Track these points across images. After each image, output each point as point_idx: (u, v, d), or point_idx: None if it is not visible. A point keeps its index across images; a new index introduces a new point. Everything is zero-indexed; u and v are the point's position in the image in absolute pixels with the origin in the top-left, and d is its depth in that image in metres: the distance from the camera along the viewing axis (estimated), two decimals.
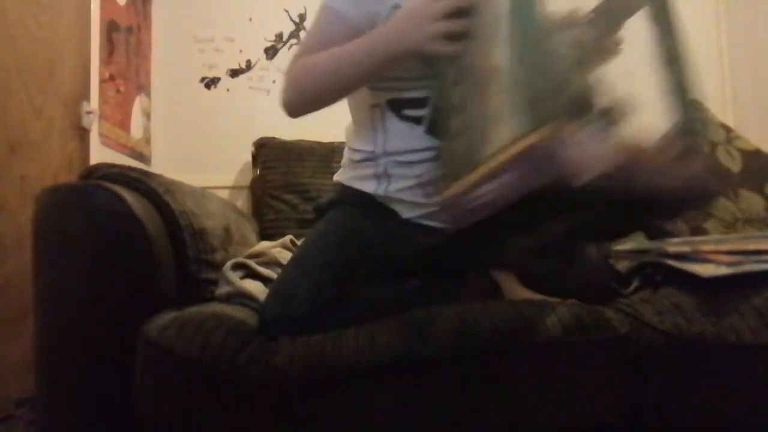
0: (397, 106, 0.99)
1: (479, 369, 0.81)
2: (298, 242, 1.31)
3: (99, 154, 1.87)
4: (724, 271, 0.86)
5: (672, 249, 0.96)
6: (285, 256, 1.18)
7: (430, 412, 0.80)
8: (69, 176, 1.69)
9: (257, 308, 0.95)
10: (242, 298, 1.02)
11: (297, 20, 2.33)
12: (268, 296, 0.92)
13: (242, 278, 1.07)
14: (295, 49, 2.32)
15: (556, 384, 0.82)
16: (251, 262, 1.11)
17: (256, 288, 1.05)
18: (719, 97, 2.25)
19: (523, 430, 0.81)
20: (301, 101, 0.99)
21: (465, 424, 0.80)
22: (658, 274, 0.95)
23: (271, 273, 1.10)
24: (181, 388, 0.81)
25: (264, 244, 1.33)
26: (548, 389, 0.81)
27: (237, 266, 1.09)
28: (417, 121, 0.98)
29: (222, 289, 1.04)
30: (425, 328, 0.81)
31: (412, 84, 0.97)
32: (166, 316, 0.87)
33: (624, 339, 0.84)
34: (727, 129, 1.65)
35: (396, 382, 0.80)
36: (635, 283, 0.97)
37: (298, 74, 0.98)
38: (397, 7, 0.95)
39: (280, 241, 1.31)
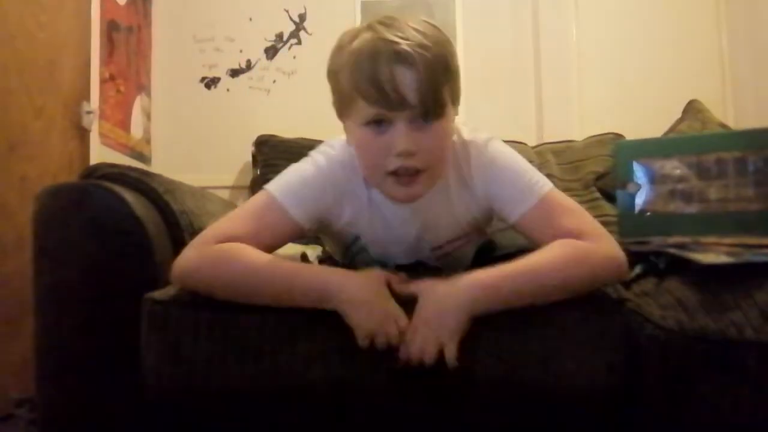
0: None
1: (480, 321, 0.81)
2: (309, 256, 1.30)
3: (99, 154, 1.87)
4: (724, 259, 0.86)
5: (673, 240, 0.97)
6: None
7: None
8: (69, 176, 1.69)
9: None
10: None
11: (297, 20, 2.33)
12: None
13: None
14: (295, 49, 2.32)
15: (553, 342, 0.82)
16: None
17: None
18: (719, 97, 2.25)
19: (519, 382, 0.81)
20: (204, 289, 0.83)
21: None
22: (660, 261, 0.95)
23: None
24: (185, 338, 0.82)
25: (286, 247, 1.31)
26: (546, 346, 0.82)
27: None
28: None
29: None
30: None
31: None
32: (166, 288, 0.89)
33: (624, 313, 0.86)
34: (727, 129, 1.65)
35: None
36: (637, 270, 0.97)
37: (225, 263, 0.82)
38: (358, 239, 0.99)
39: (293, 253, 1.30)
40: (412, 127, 0.83)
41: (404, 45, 0.81)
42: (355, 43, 0.84)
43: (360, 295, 0.78)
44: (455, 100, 0.90)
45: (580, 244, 0.85)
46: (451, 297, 0.79)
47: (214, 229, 0.88)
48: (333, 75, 0.89)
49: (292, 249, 1.28)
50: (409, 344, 0.76)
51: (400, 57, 0.81)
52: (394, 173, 0.86)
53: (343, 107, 0.90)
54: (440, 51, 0.84)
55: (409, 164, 0.84)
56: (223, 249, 0.84)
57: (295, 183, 0.93)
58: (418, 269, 0.97)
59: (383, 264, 0.99)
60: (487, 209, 0.98)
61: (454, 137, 0.94)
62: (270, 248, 0.89)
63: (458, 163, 0.95)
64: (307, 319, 0.81)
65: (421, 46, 0.81)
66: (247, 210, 0.91)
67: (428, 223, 0.97)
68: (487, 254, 1.09)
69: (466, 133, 0.97)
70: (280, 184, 0.92)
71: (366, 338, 0.76)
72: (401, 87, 0.81)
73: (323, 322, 0.81)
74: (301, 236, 0.96)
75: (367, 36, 0.84)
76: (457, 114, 0.92)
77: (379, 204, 0.95)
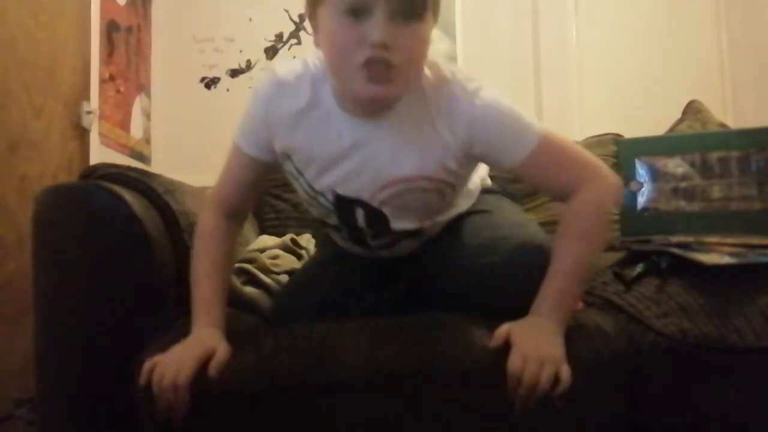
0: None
1: (479, 381, 0.79)
2: (299, 240, 1.31)
3: (99, 154, 1.87)
4: (727, 260, 0.85)
5: (676, 239, 0.96)
6: (278, 263, 1.18)
7: (429, 420, 0.80)
8: (69, 176, 1.69)
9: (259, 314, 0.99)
10: (242, 304, 1.02)
11: (297, 20, 2.33)
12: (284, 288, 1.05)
13: (243, 284, 1.08)
14: (295, 49, 2.32)
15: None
16: (252, 268, 1.11)
17: (257, 296, 1.06)
18: (719, 97, 2.25)
19: None
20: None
21: (464, 426, 0.80)
22: (662, 261, 0.95)
23: (270, 282, 1.10)
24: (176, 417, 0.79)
25: (264, 240, 1.32)
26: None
27: (238, 272, 1.10)
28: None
29: None
30: (424, 342, 0.82)
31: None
32: (165, 339, 0.86)
33: (617, 341, 0.84)
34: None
35: (392, 392, 0.80)
36: (638, 269, 0.96)
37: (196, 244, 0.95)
38: (288, 158, 0.95)
39: (281, 240, 1.31)
40: (390, 21, 0.79)
41: None
42: None
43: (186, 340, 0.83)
44: (435, 12, 0.88)
45: (586, 221, 0.86)
46: (545, 327, 0.80)
47: (215, 191, 1.01)
48: None
49: (270, 241, 1.30)
50: (519, 374, 0.74)
51: None
52: (367, 67, 0.80)
53: None
54: None
55: (384, 55, 0.79)
56: (197, 244, 0.94)
57: (243, 118, 0.98)
58: (356, 206, 0.93)
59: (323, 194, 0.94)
60: (461, 154, 0.91)
61: (429, 73, 0.90)
62: (252, 187, 1.00)
63: (425, 98, 0.90)
64: (301, 401, 0.80)
65: None
66: (226, 166, 1.01)
67: (382, 149, 0.90)
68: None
69: (449, 72, 0.91)
70: (238, 126, 0.98)
71: (148, 367, 0.78)
72: None
73: (316, 408, 0.80)
74: (268, 169, 0.98)
75: None
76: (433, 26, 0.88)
77: (334, 116, 0.90)
